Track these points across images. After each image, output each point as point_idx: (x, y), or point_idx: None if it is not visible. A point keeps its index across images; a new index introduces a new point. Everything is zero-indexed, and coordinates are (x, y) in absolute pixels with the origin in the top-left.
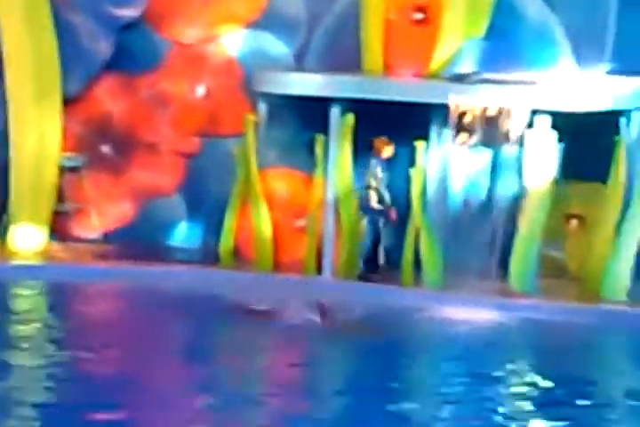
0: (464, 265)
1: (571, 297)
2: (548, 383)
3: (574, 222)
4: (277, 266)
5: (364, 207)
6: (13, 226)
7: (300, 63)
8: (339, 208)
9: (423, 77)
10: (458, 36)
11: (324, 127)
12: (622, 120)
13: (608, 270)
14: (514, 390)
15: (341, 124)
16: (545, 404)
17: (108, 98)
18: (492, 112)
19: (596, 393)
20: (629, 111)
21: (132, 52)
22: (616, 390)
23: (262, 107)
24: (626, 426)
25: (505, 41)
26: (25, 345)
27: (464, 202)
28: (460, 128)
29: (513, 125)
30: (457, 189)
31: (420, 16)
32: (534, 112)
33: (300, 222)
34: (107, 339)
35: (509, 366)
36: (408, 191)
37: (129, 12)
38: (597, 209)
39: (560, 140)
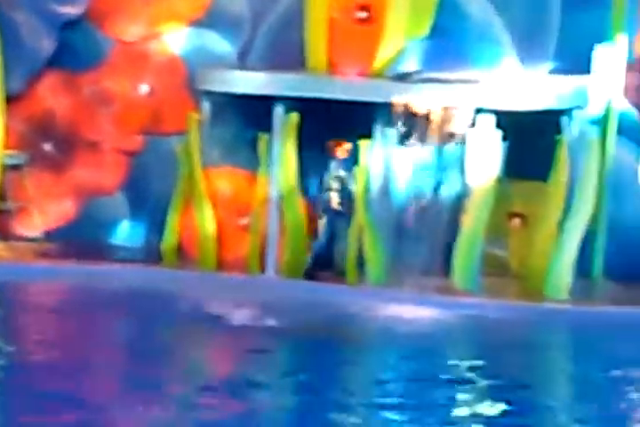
0: (408, 263)
1: (513, 295)
2: (488, 383)
3: (517, 221)
4: (221, 264)
5: (325, 209)
6: None
7: (243, 61)
8: (282, 207)
9: (367, 76)
10: (401, 35)
11: (267, 126)
12: (564, 119)
13: (550, 268)
14: (457, 391)
15: (285, 123)
16: (489, 404)
17: (51, 96)
18: (435, 111)
19: (538, 392)
20: (571, 110)
21: (75, 50)
22: (560, 389)
23: (206, 105)
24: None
25: (448, 40)
26: None
27: (407, 200)
28: (403, 127)
29: (456, 124)
30: (400, 187)
31: (363, 15)
32: (478, 111)
33: (244, 221)
34: (48, 338)
35: (451, 367)
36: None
37: (71, 10)
38: (539, 207)
39: (503, 138)
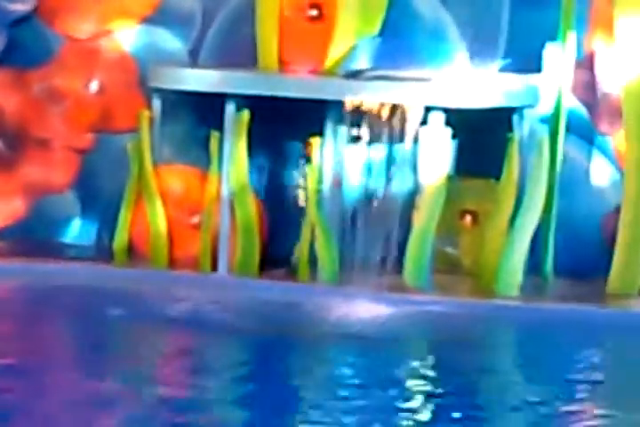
0: (359, 261)
1: (465, 292)
2: (436, 380)
3: (468, 218)
4: (172, 262)
5: (293, 206)
6: None
7: (194, 59)
8: (234, 205)
9: (319, 74)
10: (352, 33)
11: (219, 123)
12: (515, 117)
13: (501, 266)
14: (404, 389)
15: (236, 121)
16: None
17: (0, 93)
18: (386, 109)
19: (489, 389)
20: (522, 108)
21: (25, 47)
22: (514, 387)
23: (157, 103)
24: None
25: (399, 38)
26: None
27: (359, 198)
28: (355, 124)
29: (408, 122)
30: (352, 185)
31: (314, 13)
32: (429, 109)
33: (195, 219)
34: None
35: (398, 364)
36: (303, 188)
37: (21, 7)
38: (491, 205)
39: (454, 136)
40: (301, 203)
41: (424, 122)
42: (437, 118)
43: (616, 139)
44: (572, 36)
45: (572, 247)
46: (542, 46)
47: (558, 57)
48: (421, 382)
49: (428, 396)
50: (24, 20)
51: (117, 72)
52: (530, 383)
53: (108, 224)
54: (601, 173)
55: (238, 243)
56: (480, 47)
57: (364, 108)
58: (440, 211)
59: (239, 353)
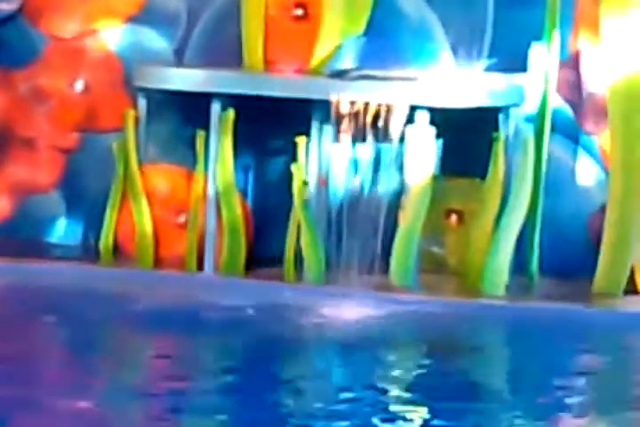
0: (346, 260)
1: (451, 292)
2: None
3: (454, 218)
4: (158, 262)
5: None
6: None
7: (179, 58)
8: (220, 204)
9: (304, 73)
10: (337, 33)
11: (204, 123)
12: (500, 117)
13: (487, 265)
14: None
15: (222, 120)
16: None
17: None
18: (372, 108)
19: (474, 388)
20: (507, 108)
21: (9, 47)
22: (496, 384)
23: (142, 102)
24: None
25: (385, 38)
26: None
27: (345, 197)
28: (340, 124)
29: (393, 121)
30: (338, 184)
31: (299, 12)
32: (414, 108)
33: (181, 218)
34: None
35: (383, 364)
36: (289, 187)
37: (6, 6)
38: (476, 204)
39: (439, 136)
40: (287, 202)
41: (409, 121)
42: (423, 118)
43: (601, 138)
44: (556, 36)
45: (557, 247)
46: (527, 46)
47: (543, 56)
48: (405, 384)
49: (413, 399)
50: (9, 19)
51: (102, 71)
52: (514, 383)
53: (94, 224)
54: (586, 173)
55: (224, 242)
56: (465, 47)
57: (349, 107)
58: (426, 210)
59: (222, 353)
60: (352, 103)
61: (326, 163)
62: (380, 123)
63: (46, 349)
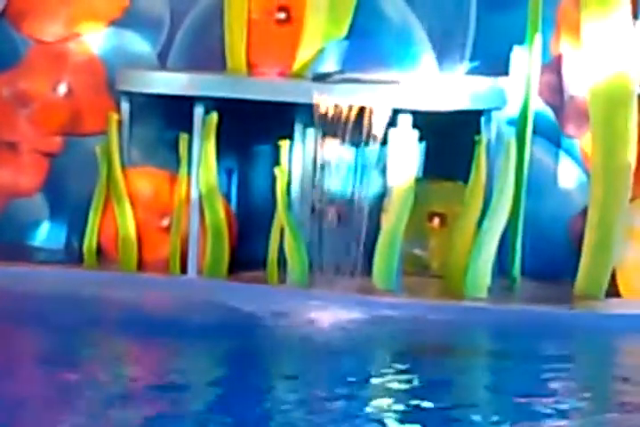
0: (329, 263)
1: (433, 294)
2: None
3: (436, 221)
4: (142, 265)
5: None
6: None
7: (163, 62)
8: (203, 207)
9: (287, 77)
10: (320, 36)
11: (188, 126)
12: (482, 120)
13: (470, 268)
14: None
15: (205, 123)
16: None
17: None
18: (355, 111)
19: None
20: (489, 111)
21: None
22: (479, 387)
23: (125, 106)
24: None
25: (367, 41)
26: None
27: (328, 200)
28: (323, 127)
29: (376, 124)
30: (321, 187)
31: (282, 16)
32: (396, 111)
33: (165, 222)
34: None
35: (367, 367)
36: (272, 190)
37: None
38: (459, 207)
39: (422, 139)
40: (271, 205)
41: (392, 124)
42: (405, 121)
43: (583, 141)
44: (538, 39)
45: (539, 249)
46: (509, 49)
47: (525, 60)
48: (385, 387)
49: (394, 403)
50: None
51: (86, 75)
52: (497, 384)
53: (78, 227)
54: (568, 176)
55: (208, 245)
56: (447, 50)
57: (332, 110)
58: (408, 213)
59: (205, 357)
60: (335, 106)
61: (309, 166)
62: (363, 126)
63: (26, 353)
